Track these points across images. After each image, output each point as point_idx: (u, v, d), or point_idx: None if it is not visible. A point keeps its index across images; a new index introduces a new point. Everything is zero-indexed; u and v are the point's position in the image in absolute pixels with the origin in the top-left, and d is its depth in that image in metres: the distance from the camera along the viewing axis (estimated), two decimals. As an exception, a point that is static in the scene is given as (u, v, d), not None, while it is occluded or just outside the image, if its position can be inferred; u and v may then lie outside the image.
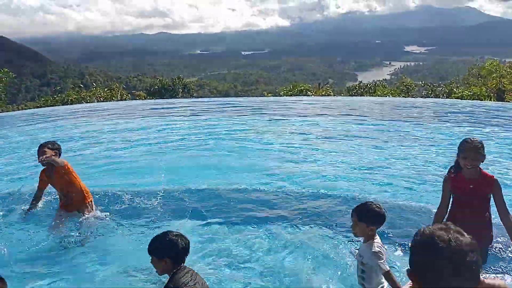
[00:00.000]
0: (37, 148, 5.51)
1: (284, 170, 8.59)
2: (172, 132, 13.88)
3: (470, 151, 3.80)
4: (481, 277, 1.65)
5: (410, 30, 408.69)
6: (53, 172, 5.53)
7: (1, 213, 6.34)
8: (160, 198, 6.73)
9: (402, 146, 10.69)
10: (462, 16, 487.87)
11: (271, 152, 10.27)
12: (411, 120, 14.93)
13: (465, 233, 1.63)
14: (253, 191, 7.22)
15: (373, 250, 3.48)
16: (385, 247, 3.75)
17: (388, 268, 3.43)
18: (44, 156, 5.35)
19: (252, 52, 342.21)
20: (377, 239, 3.54)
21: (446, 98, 26.91)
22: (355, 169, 8.63)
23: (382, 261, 3.42)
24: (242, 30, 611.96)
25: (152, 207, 6.48)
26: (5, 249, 5.02)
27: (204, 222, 5.93)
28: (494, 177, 3.90)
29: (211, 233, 5.58)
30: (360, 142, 11.36)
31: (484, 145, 3.88)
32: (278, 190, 7.26)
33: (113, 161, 10.00)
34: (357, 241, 5.14)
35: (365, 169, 8.57)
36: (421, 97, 27.92)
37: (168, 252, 3.04)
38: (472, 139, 3.88)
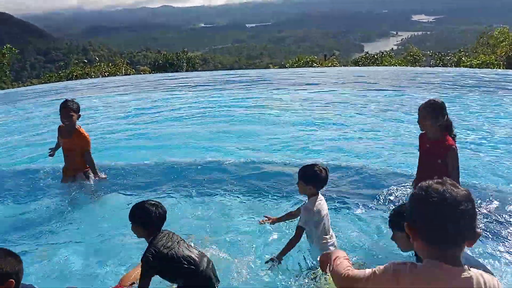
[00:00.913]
0: (59, 107, 5.57)
1: (288, 141, 8.60)
2: (172, 105, 13.87)
3: (419, 112, 3.99)
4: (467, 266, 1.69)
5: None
6: (74, 133, 5.65)
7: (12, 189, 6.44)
8: (157, 171, 6.84)
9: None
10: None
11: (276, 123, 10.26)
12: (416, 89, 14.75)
13: (460, 186, 1.68)
14: (260, 163, 7.22)
15: (304, 205, 3.79)
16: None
17: (303, 226, 3.67)
18: (71, 122, 5.52)
19: (257, 24, 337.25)
20: (319, 198, 3.75)
21: (455, 67, 26.49)
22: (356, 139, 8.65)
23: (305, 216, 3.68)
24: (246, 2, 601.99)
25: (149, 179, 6.57)
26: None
27: (203, 194, 5.98)
28: (454, 145, 3.93)
29: (208, 204, 5.62)
30: (365, 111, 11.30)
31: (443, 107, 3.90)
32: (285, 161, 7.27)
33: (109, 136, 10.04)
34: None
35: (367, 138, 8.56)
36: (429, 66, 27.49)
37: (142, 219, 3.23)
38: (430, 99, 4.00)
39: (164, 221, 3.31)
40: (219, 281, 3.39)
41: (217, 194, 5.89)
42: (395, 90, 14.59)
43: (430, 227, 1.66)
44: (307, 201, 3.83)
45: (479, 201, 4.95)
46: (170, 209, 5.23)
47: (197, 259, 3.19)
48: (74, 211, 5.49)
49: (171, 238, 3.22)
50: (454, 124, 4.06)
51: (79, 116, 5.64)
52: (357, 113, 11.15)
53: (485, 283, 1.67)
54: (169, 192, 6.04)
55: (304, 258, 3.94)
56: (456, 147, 4.00)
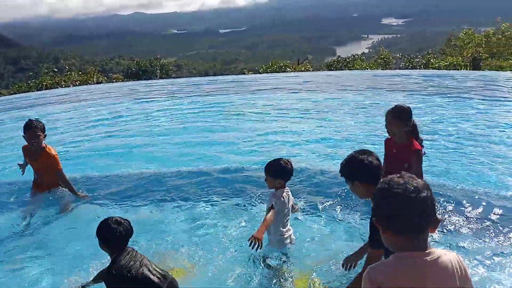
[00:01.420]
0: (24, 128, 5.33)
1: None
2: (147, 114, 13.76)
3: (387, 116, 4.02)
4: (433, 248, 1.86)
5: (386, 3, 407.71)
6: (40, 155, 5.43)
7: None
8: (136, 181, 6.74)
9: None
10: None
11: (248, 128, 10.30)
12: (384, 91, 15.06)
13: (418, 178, 1.85)
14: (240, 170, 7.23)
15: (270, 194, 3.93)
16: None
17: (272, 205, 3.79)
18: (38, 142, 5.29)
19: (231, 30, 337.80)
20: (286, 191, 3.93)
21: (424, 69, 27.13)
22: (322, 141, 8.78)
23: (275, 199, 3.82)
24: (219, 8, 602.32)
25: (126, 189, 6.49)
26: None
27: (180, 202, 5.97)
28: (420, 149, 3.99)
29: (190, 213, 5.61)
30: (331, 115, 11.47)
31: (410, 112, 3.95)
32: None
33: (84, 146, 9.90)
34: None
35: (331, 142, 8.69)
36: (399, 69, 28.09)
37: (105, 237, 3.21)
38: (396, 105, 4.03)
39: (128, 238, 3.25)
40: None
41: (195, 201, 5.89)
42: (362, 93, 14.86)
43: (397, 218, 1.78)
44: (274, 190, 3.95)
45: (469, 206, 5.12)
46: (147, 218, 5.24)
47: (157, 281, 3.01)
48: (45, 223, 5.37)
49: (133, 257, 3.08)
50: (424, 126, 4.19)
51: (45, 136, 5.44)
52: (324, 116, 11.30)
53: (450, 260, 1.84)
54: (146, 201, 6.01)
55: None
56: (421, 151, 4.07)
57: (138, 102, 16.40)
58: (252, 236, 3.51)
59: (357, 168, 2.83)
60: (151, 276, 3.01)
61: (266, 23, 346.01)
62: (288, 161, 3.94)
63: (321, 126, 10.23)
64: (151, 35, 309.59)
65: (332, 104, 13.18)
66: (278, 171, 3.87)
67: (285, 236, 4.00)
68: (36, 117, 5.76)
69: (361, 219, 4.82)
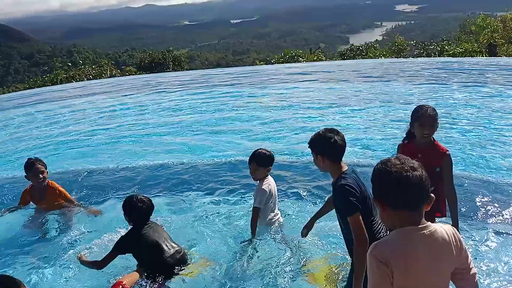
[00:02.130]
0: (27, 167, 5.18)
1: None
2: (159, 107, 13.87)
3: (427, 118, 3.64)
4: (429, 222, 2.03)
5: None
6: (46, 194, 5.30)
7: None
8: (148, 173, 6.86)
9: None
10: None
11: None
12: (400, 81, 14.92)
13: (413, 160, 2.04)
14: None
15: (257, 187, 4.30)
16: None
17: (259, 206, 4.21)
18: (45, 177, 5.21)
19: (241, 20, 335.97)
20: (268, 180, 4.32)
21: (438, 56, 26.72)
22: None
23: (260, 196, 4.21)
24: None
25: (145, 180, 6.60)
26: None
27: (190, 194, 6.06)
28: (448, 151, 3.72)
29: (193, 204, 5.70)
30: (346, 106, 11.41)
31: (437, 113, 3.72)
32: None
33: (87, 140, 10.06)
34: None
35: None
36: (413, 56, 27.71)
37: (129, 214, 3.92)
38: (427, 106, 3.72)
39: (149, 215, 3.95)
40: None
41: (205, 194, 5.97)
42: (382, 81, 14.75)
43: (395, 194, 1.97)
44: (258, 183, 4.33)
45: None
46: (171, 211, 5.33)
47: (165, 248, 3.82)
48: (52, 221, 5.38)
49: (152, 228, 3.89)
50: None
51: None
52: (339, 106, 11.26)
53: (446, 232, 2.03)
54: (157, 193, 6.11)
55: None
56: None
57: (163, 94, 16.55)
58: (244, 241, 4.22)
59: (324, 143, 3.06)
60: (161, 243, 3.83)
61: (277, 12, 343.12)
62: (269, 151, 4.36)
63: (338, 116, 10.20)
64: (163, 26, 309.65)
65: (345, 94, 13.12)
66: (261, 159, 4.26)
67: (273, 220, 4.44)
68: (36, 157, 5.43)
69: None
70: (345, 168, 3.09)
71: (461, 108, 10.11)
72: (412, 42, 33.96)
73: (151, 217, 4.00)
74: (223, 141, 8.75)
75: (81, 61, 46.76)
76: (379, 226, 3.04)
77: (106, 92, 18.51)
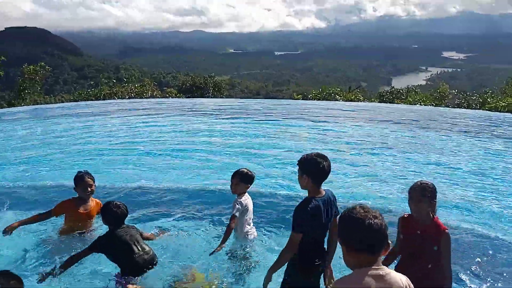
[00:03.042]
0: (78, 178, 5.35)
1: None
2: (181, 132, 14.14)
3: (414, 191, 3.62)
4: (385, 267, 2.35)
5: (449, 36, 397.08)
6: (91, 207, 5.46)
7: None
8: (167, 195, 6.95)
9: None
10: (507, 23, 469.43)
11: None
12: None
13: (375, 211, 2.36)
14: (266, 196, 7.30)
15: (235, 200, 4.82)
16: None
17: (234, 213, 4.70)
18: (94, 189, 5.42)
19: (286, 52, 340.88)
20: (246, 196, 4.90)
21: (479, 108, 26.09)
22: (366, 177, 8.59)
23: (237, 207, 4.73)
24: (277, 30, 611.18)
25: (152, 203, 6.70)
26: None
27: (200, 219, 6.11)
28: (447, 229, 3.58)
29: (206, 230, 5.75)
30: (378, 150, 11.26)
31: (436, 190, 3.62)
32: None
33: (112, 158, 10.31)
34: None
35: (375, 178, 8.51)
36: (453, 106, 27.15)
37: (105, 217, 4.43)
38: (422, 182, 3.66)
39: (124, 219, 4.43)
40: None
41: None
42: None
43: (358, 238, 2.31)
44: (237, 196, 4.86)
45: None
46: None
47: (135, 248, 4.26)
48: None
49: (125, 230, 4.36)
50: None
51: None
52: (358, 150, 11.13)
53: (400, 278, 2.35)
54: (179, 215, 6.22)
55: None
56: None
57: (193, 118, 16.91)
58: (214, 250, 4.62)
59: (312, 166, 3.38)
60: (131, 244, 4.27)
61: (323, 48, 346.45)
62: (250, 171, 4.94)
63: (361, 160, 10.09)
64: (209, 52, 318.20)
65: (373, 138, 12.99)
66: (244, 177, 4.84)
67: (249, 233, 4.96)
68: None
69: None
70: (322, 193, 3.45)
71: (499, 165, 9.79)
72: (454, 91, 33.36)
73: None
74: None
75: (125, 79, 48.43)
76: (318, 254, 3.47)
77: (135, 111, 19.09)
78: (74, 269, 4.41)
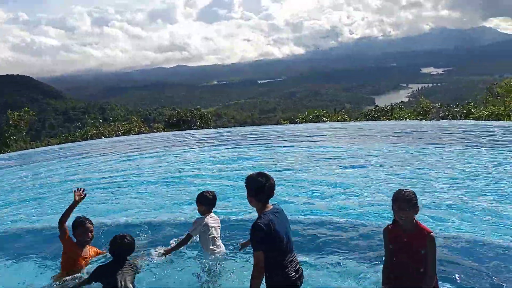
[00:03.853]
0: (78, 223, 5.30)
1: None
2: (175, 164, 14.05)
3: (402, 201, 3.70)
4: None
5: (426, 52, 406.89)
6: (89, 254, 5.41)
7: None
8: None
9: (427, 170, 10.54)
10: (479, 36, 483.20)
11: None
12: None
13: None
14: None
15: (196, 219, 5.27)
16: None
17: (190, 233, 5.17)
18: (91, 239, 5.40)
19: (268, 80, 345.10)
20: (208, 216, 5.22)
21: (464, 119, 26.53)
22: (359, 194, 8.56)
23: (194, 225, 5.17)
24: (258, 60, 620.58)
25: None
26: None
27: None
28: (432, 233, 3.71)
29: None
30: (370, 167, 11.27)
31: (416, 196, 3.76)
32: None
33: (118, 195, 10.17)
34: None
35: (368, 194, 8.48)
36: (437, 119, 27.58)
37: (110, 248, 4.59)
38: (405, 190, 3.76)
39: (126, 252, 4.57)
40: None
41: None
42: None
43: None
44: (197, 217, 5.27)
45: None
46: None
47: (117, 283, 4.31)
48: None
49: (119, 268, 4.43)
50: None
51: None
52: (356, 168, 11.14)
53: None
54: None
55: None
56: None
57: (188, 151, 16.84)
58: (163, 254, 5.26)
59: (254, 185, 3.54)
60: (118, 281, 4.32)
61: (304, 73, 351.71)
62: (212, 192, 5.36)
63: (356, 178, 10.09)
64: (192, 86, 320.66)
65: (365, 155, 13.04)
66: (203, 200, 5.27)
67: (216, 251, 5.21)
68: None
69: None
70: (269, 208, 3.54)
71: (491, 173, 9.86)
72: (437, 105, 33.92)
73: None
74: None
75: (111, 118, 48.51)
76: (291, 265, 3.50)
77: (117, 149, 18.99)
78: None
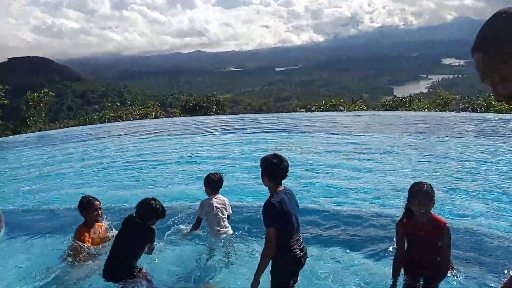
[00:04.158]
0: (85, 203, 5.27)
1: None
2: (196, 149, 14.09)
3: (422, 196, 3.75)
4: None
5: (447, 43, 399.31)
6: (100, 232, 5.41)
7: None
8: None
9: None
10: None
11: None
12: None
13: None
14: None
15: (201, 201, 5.39)
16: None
17: (200, 216, 5.34)
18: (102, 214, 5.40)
19: (286, 68, 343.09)
20: (213, 197, 5.35)
21: (484, 111, 25.98)
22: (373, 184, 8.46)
23: (200, 208, 5.32)
24: (276, 47, 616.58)
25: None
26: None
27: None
28: (447, 224, 3.79)
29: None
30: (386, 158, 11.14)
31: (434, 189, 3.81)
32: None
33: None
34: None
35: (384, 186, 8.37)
36: (457, 111, 27.07)
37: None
38: (423, 184, 3.82)
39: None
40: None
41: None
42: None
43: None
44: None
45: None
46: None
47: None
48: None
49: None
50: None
51: None
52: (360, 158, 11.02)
53: None
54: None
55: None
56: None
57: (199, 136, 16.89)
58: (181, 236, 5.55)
59: (268, 166, 3.65)
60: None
61: (322, 61, 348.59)
62: (218, 173, 5.49)
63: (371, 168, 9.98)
64: (210, 72, 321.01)
65: (380, 145, 12.90)
66: (209, 182, 5.37)
67: (221, 231, 5.30)
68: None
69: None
70: (281, 188, 3.67)
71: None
72: (457, 96, 33.27)
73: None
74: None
75: (128, 102, 48.83)
76: (297, 244, 3.64)
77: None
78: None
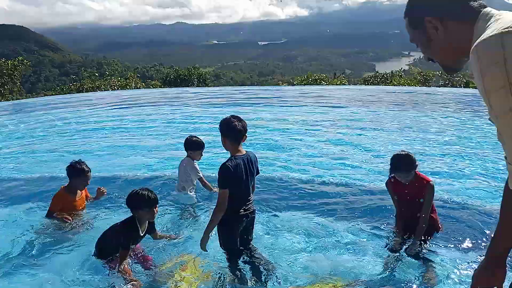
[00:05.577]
0: (79, 169, 5.08)
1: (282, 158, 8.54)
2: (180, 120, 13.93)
3: (404, 166, 3.95)
4: None
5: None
6: (81, 194, 5.32)
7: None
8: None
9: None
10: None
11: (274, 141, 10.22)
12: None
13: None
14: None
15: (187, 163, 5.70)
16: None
17: (200, 175, 5.77)
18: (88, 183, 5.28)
19: (269, 42, 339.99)
20: (194, 162, 5.71)
21: (464, 87, 26.32)
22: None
23: (196, 171, 5.71)
24: (260, 20, 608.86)
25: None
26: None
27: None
28: (431, 181, 4.00)
29: None
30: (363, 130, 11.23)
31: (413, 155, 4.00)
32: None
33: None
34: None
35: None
36: (438, 86, 27.36)
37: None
38: (406, 154, 4.02)
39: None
40: None
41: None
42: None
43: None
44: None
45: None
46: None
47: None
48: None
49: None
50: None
51: None
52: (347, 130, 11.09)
53: None
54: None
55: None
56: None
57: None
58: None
59: (226, 126, 3.66)
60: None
61: (305, 36, 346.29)
62: (199, 138, 5.71)
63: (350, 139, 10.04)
64: (191, 44, 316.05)
65: (358, 118, 12.98)
66: (190, 145, 5.66)
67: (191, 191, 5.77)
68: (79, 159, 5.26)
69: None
70: (242, 152, 3.72)
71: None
72: (438, 73, 33.55)
73: None
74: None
75: (108, 73, 47.84)
76: (246, 207, 3.77)
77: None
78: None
